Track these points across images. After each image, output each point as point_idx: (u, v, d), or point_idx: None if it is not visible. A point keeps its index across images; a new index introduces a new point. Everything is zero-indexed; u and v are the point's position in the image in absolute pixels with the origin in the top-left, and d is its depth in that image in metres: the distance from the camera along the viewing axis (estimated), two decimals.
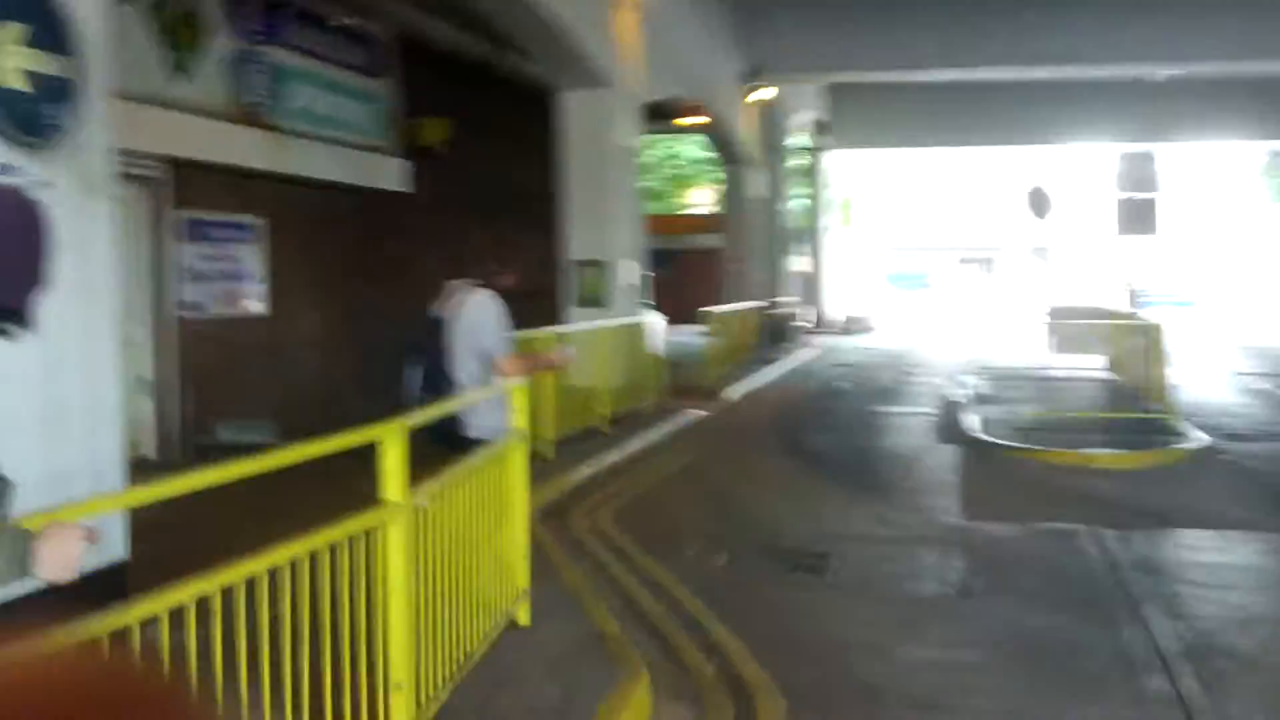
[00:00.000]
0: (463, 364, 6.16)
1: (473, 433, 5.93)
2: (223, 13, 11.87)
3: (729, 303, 21.38)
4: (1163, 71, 26.10)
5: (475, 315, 6.15)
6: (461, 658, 4.96)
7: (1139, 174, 13.72)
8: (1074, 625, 6.45)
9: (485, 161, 17.34)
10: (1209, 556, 7.97)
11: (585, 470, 10.82)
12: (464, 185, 16.79)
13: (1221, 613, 6.64)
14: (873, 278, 47.43)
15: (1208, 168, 55.59)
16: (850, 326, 31.91)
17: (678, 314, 22.73)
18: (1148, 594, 6.96)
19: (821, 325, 31.25)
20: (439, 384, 6.13)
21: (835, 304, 33.54)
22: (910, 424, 14.69)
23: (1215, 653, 5.93)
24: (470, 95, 16.78)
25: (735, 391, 17.34)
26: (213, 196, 11.99)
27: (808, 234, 30.19)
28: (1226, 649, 5.99)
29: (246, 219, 12.43)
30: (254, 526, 3.64)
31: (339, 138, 13.88)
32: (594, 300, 14.40)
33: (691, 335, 21.68)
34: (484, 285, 6.30)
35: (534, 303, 14.77)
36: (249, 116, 12.20)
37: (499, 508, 5.64)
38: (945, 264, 70.09)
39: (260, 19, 12.43)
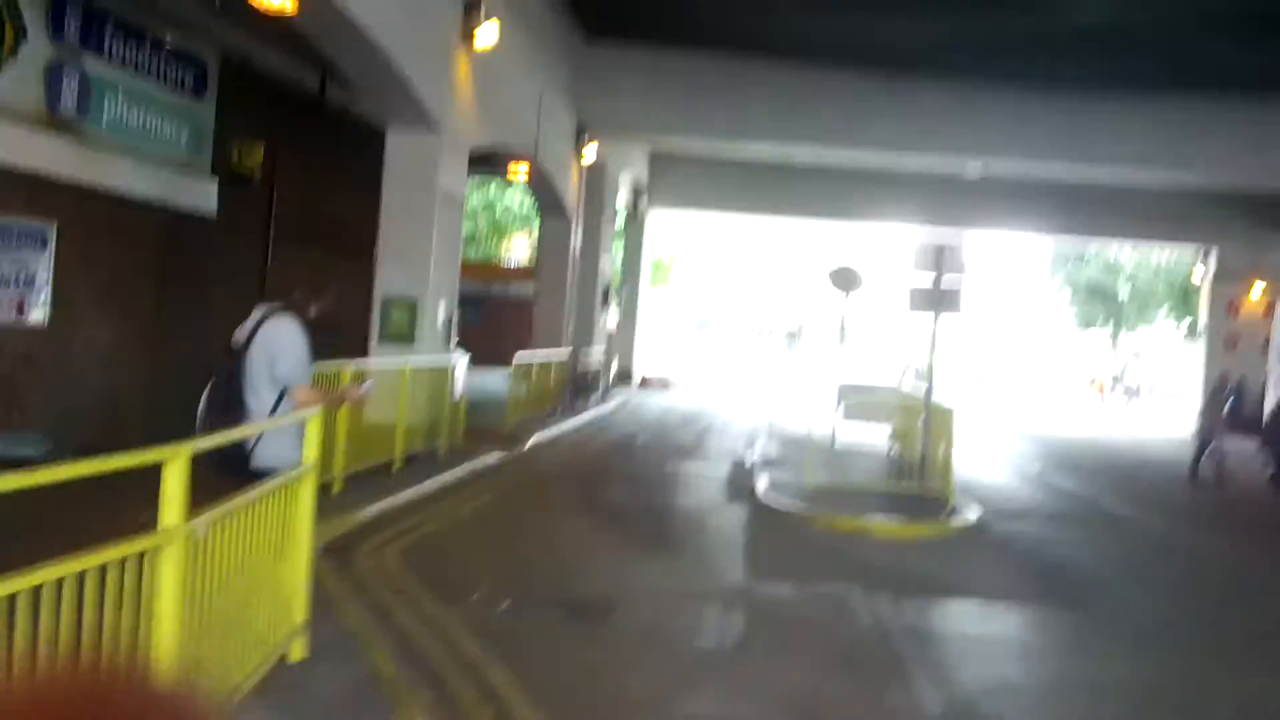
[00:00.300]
0: (256, 390, 6.03)
1: (261, 462, 5.80)
2: (40, 16, 11.41)
3: (533, 349, 21.43)
4: (973, 171, 27.62)
5: (274, 341, 6.02)
6: (230, 690, 4.81)
7: (940, 259, 14.36)
8: (845, 686, 6.67)
9: (304, 191, 17.06)
10: (973, 626, 8.35)
11: (374, 507, 10.65)
12: (279, 213, 16.47)
13: (983, 681, 6.95)
14: (681, 338, 48.23)
15: (1005, 258, 58.86)
16: (655, 383, 32.34)
17: (486, 358, 22.65)
18: (915, 659, 7.24)
19: (627, 380, 31.58)
20: (230, 410, 5.98)
21: (642, 361, 33.97)
22: (703, 482, 14.95)
23: (975, 718, 6.21)
24: (294, 125, 16.52)
25: (535, 439, 17.35)
26: (5, 200, 11.43)
27: (620, 291, 30.57)
28: (984, 717, 6.28)
29: (35, 225, 11.87)
30: (20, 543, 3.49)
31: (149, 153, 13.44)
32: (401, 337, 14.25)
33: (497, 380, 21.63)
34: (289, 312, 6.18)
35: (342, 336, 14.57)
36: (57, 123, 11.71)
37: (281, 540, 5.52)
38: (753, 330, 72.00)
39: (78, 26, 11.98)
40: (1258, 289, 33.17)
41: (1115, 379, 47.39)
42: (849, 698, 6.48)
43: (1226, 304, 33.98)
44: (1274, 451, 19.42)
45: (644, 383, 32.04)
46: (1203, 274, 35.18)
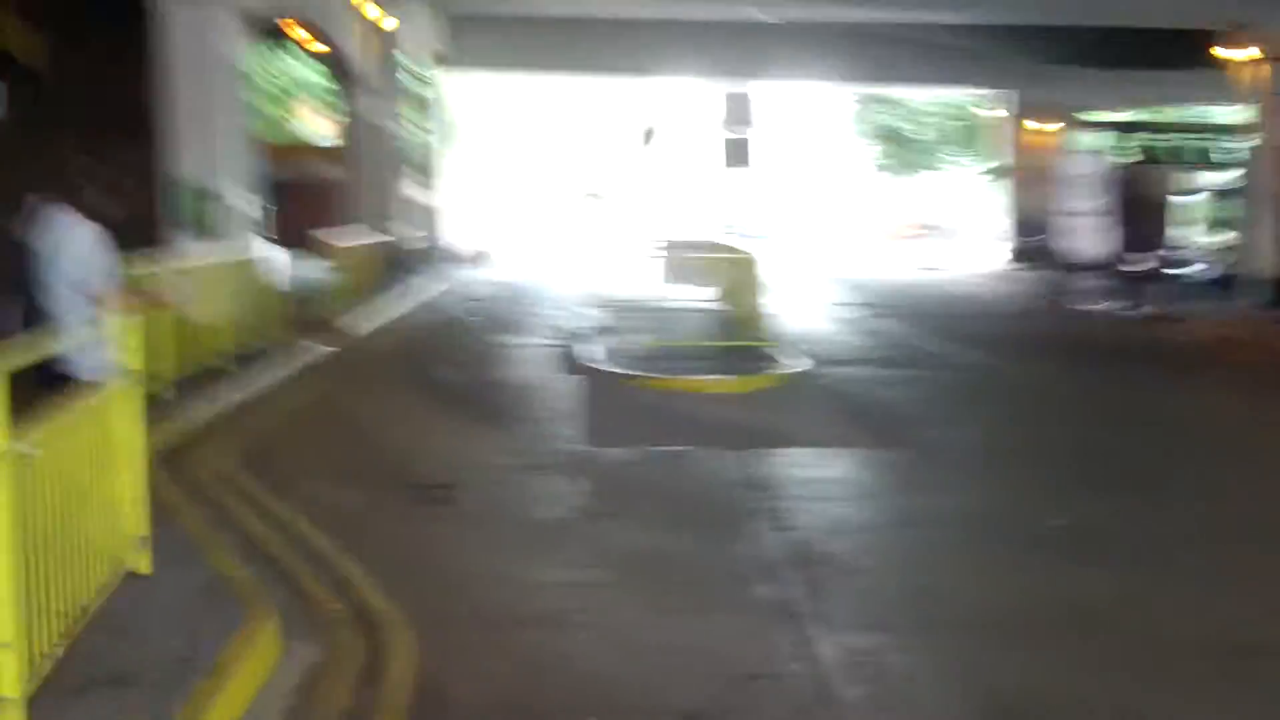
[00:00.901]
0: (60, 296, 5.73)
1: (79, 372, 5.56)
2: None
3: (348, 234, 20.90)
4: (760, 15, 27.66)
5: (71, 244, 5.70)
6: (76, 612, 4.71)
7: (739, 112, 14.50)
8: (691, 541, 6.90)
9: (81, 75, 16.02)
10: (808, 472, 8.71)
11: (207, 410, 10.36)
12: (58, 100, 15.47)
13: (820, 523, 7.29)
14: (493, 209, 47.58)
15: (804, 108, 59.53)
16: (471, 258, 31.94)
17: (292, 245, 22.00)
18: (755, 509, 7.54)
19: (444, 257, 31.10)
20: (36, 319, 5.69)
21: (456, 236, 33.43)
22: (534, 355, 15.00)
23: (817, 560, 6.52)
24: (70, 9, 15.45)
25: (360, 326, 17.05)
26: None
27: (427, 164, 29.87)
28: (825, 556, 6.60)
29: None
30: None
31: None
32: (203, 228, 13.67)
33: (312, 269, 21.07)
34: (74, 206, 5.83)
35: (135, 228, 13.91)
36: None
37: (110, 452, 5.34)
38: (563, 195, 71.61)
39: None
40: (1051, 125, 34.48)
41: (920, 223, 48.91)
42: (692, 551, 6.70)
43: (1021, 141, 35.28)
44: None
45: (463, 258, 31.59)
46: (1003, 114, 36.38)
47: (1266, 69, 22.34)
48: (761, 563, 6.42)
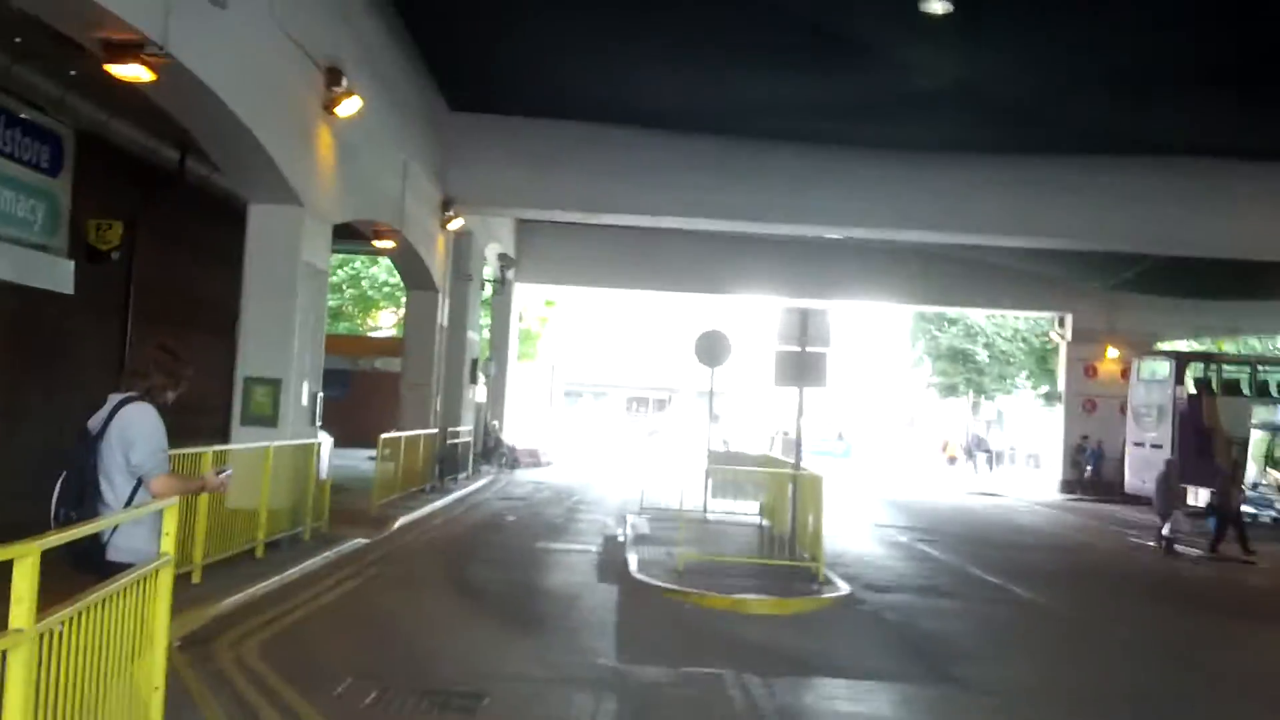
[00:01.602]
0: (110, 480, 5.79)
1: (116, 556, 5.57)
2: None
3: (405, 428, 21.16)
4: (830, 234, 28.35)
5: (128, 429, 5.80)
6: None
7: (802, 328, 14.65)
8: None
9: (163, 268, 16.70)
10: (845, 706, 8.40)
11: (235, 597, 10.32)
12: (137, 291, 16.08)
13: None
14: (550, 412, 48.04)
15: (863, 326, 60.34)
16: (524, 459, 32.14)
17: (352, 436, 22.27)
18: None
19: (496, 456, 31.32)
20: (84, 501, 5.73)
21: (512, 435, 33.77)
22: (573, 561, 14.86)
23: None
24: (154, 200, 16.18)
25: (402, 520, 17.07)
26: None
27: (489, 364, 30.43)
28: None
29: None
30: None
31: (2, 233, 13.01)
32: (264, 419, 13.88)
33: (363, 459, 21.27)
34: (144, 397, 5.97)
35: (202, 418, 14.20)
36: None
37: (137, 638, 5.28)
38: (621, 402, 72.33)
39: None
40: (1112, 352, 34.50)
41: (972, 444, 48.62)
42: None
43: (1083, 367, 35.28)
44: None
45: (515, 458, 31.76)
46: (1059, 338, 36.51)
47: None
48: None
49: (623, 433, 58.34)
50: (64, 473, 5.82)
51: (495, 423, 31.56)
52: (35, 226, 13.76)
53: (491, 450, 30.60)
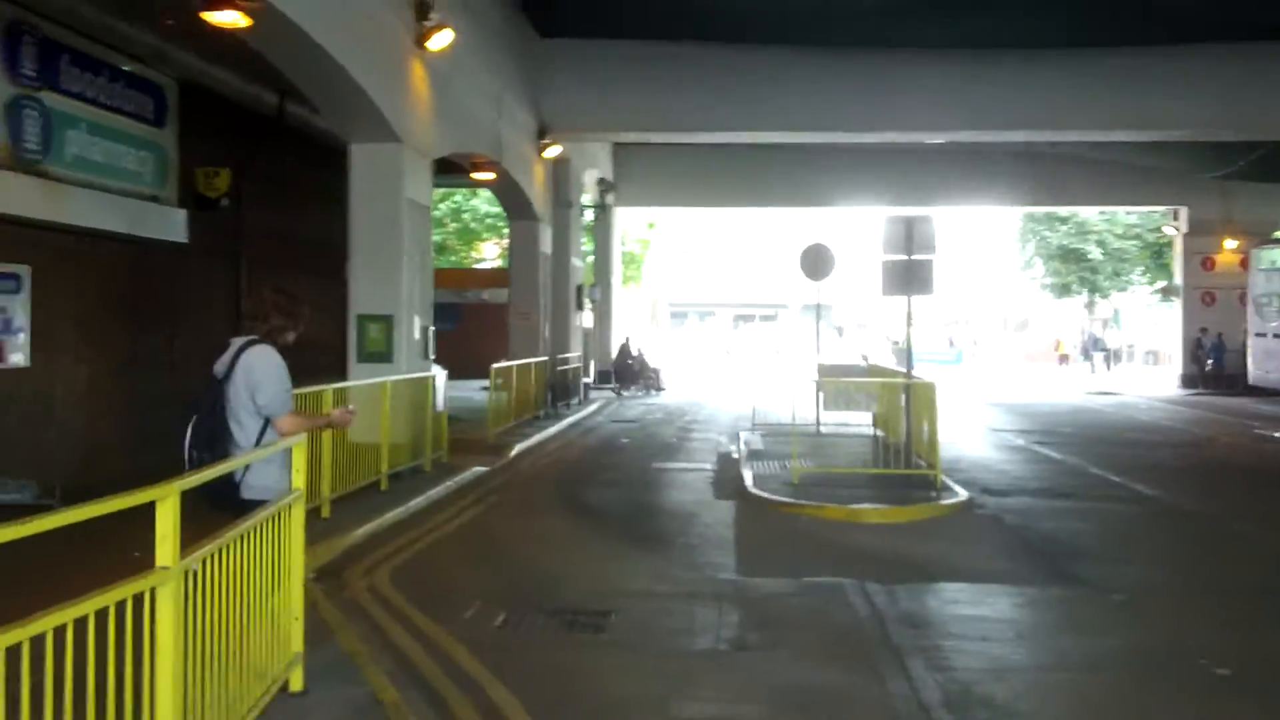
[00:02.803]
0: (239, 422, 6.01)
1: (249, 494, 5.79)
2: None
3: (515, 357, 21.43)
4: (933, 139, 27.79)
5: (253, 371, 6.00)
6: None
7: (906, 236, 14.44)
8: (842, 678, 6.71)
9: (271, 213, 17.04)
10: (968, 609, 8.39)
11: (363, 529, 10.64)
12: (248, 237, 16.45)
13: (980, 664, 6.99)
14: (659, 333, 48.18)
15: (970, 230, 59.16)
16: (632, 380, 32.32)
17: (463, 368, 22.63)
18: (911, 646, 7.28)
19: (606, 380, 31.60)
20: (215, 442, 5.96)
21: (619, 358, 33.96)
22: (689, 480, 14.99)
23: (974, 702, 6.25)
24: (257, 145, 16.48)
25: (518, 447, 17.36)
26: None
27: (594, 289, 30.61)
28: (984, 699, 6.32)
29: (10, 268, 11.81)
30: (14, 591, 3.49)
31: (115, 186, 13.40)
32: (379, 355, 14.18)
33: (476, 390, 21.62)
34: (265, 339, 6.16)
35: (320, 356, 14.54)
36: (21, 163, 11.65)
37: (274, 571, 5.51)
38: (728, 320, 72.20)
39: (36, 63, 11.90)
40: (1230, 243, 33.46)
41: (1088, 343, 47.63)
42: (847, 690, 6.52)
43: (1200, 260, 34.28)
44: None
45: (658, 381, 31.79)
46: (1175, 231, 35.48)
47: None
48: (916, 704, 6.19)
49: (732, 350, 58.33)
50: (194, 416, 6.04)
51: (636, 346, 32.15)
52: (145, 178, 14.12)
53: (637, 374, 31.20)
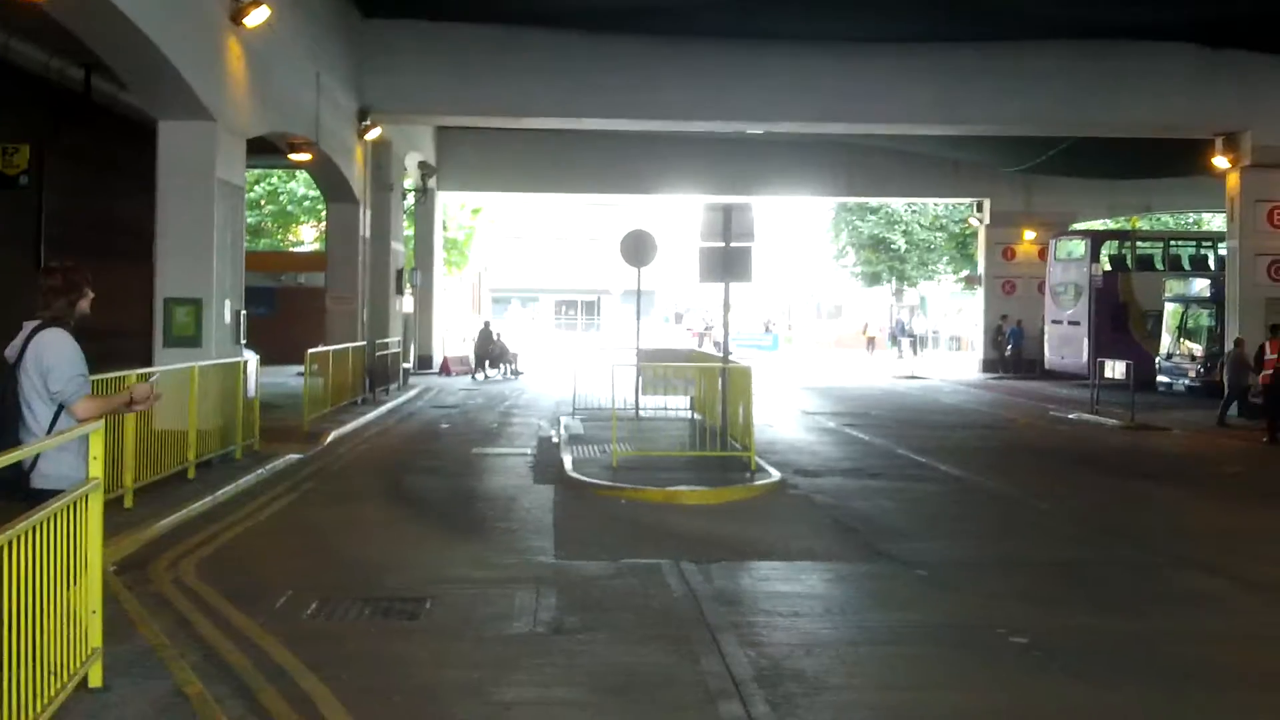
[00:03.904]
0: (30, 408, 5.72)
1: (41, 483, 5.53)
2: None
3: (333, 343, 20.99)
4: (754, 129, 28.27)
5: (43, 357, 5.70)
6: None
7: (725, 224, 14.70)
8: (659, 657, 6.82)
9: (75, 193, 16.29)
10: (780, 586, 8.63)
11: (169, 519, 10.28)
12: (48, 217, 15.68)
13: (790, 639, 7.20)
14: (480, 318, 47.86)
15: (787, 219, 60.57)
16: (455, 366, 32.09)
17: (280, 353, 22.07)
18: (725, 624, 7.45)
19: (427, 366, 31.26)
20: (5, 429, 5.67)
21: (440, 344, 33.64)
22: (509, 464, 14.97)
23: (785, 677, 6.44)
24: (60, 123, 15.71)
25: (334, 434, 17.02)
26: None
27: (415, 274, 30.22)
28: (794, 673, 6.51)
29: None
30: None
31: None
32: (187, 340, 13.68)
33: (293, 375, 21.12)
34: (53, 322, 5.86)
35: (127, 343, 13.97)
36: None
37: (70, 563, 5.29)
38: (550, 306, 72.23)
39: None
40: (1030, 234, 35.05)
41: (896, 330, 49.35)
42: (663, 668, 6.62)
43: (1002, 250, 35.82)
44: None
45: (445, 367, 31.78)
46: (978, 222, 36.98)
47: (1236, 176, 22.90)
48: (728, 680, 6.33)
49: (552, 335, 58.41)
50: None
51: (495, 331, 32.43)
52: None
53: (497, 357, 31.36)
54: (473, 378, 30.77)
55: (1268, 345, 19.15)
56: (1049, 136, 27.18)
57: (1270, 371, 18.67)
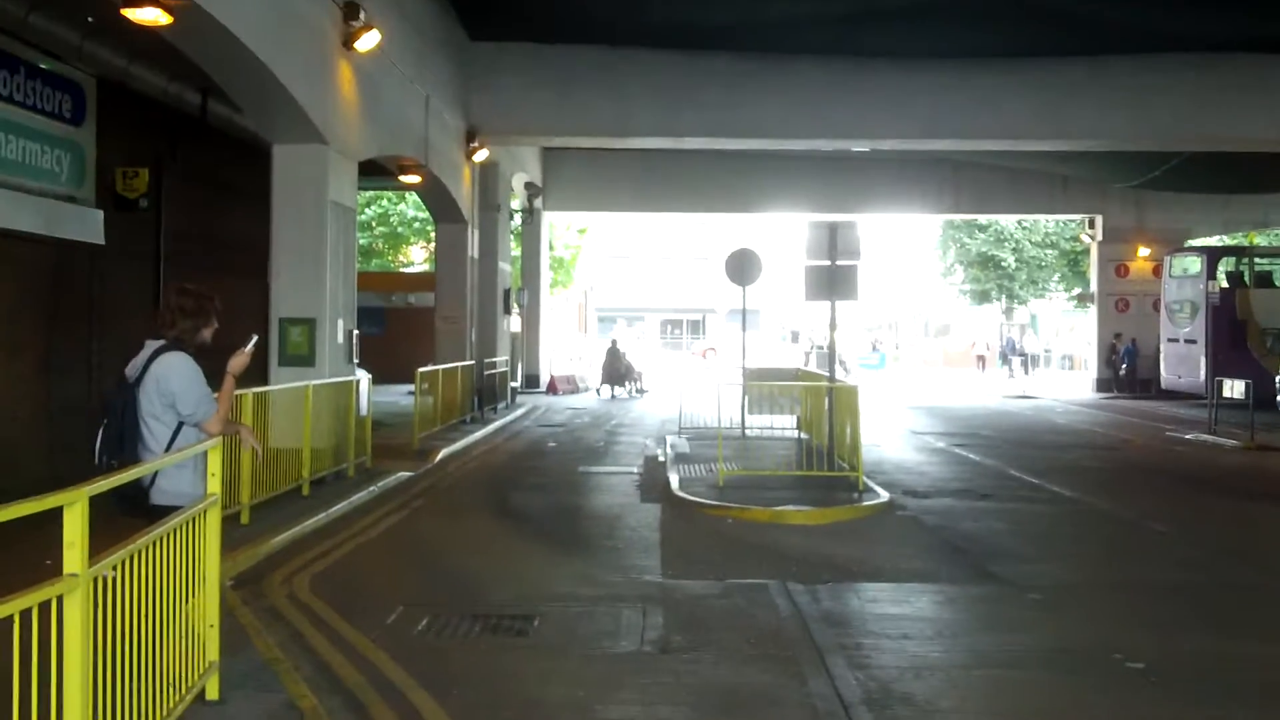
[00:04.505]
0: (149, 426, 5.87)
1: (160, 499, 5.68)
2: None
3: (442, 361, 21.29)
4: (857, 147, 28.08)
5: (168, 381, 5.83)
6: None
7: (830, 242, 14.60)
8: (765, 678, 6.74)
9: (192, 213, 16.77)
10: (888, 608, 8.49)
11: (284, 535, 10.50)
12: (167, 237, 16.17)
13: (899, 662, 7.08)
14: (585, 337, 48.17)
15: (894, 237, 59.93)
16: (562, 385, 32.34)
17: (390, 372, 22.44)
18: (832, 645, 7.35)
19: (534, 385, 31.54)
20: (125, 446, 5.82)
21: (549, 363, 33.94)
22: (615, 483, 15.00)
23: (893, 700, 6.33)
24: (178, 145, 16.21)
25: (444, 452, 17.25)
26: None
27: (522, 293, 30.54)
28: (904, 696, 6.40)
29: None
30: None
31: (31, 185, 13.11)
32: (301, 359, 13.99)
33: (402, 394, 21.45)
34: (175, 344, 6.01)
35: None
36: None
37: (189, 577, 5.42)
38: (656, 325, 72.38)
39: None
40: (1143, 250, 34.21)
41: (1006, 349, 48.44)
42: (769, 689, 6.56)
43: (1115, 267, 35.00)
44: None
45: (552, 386, 32.03)
46: (1090, 239, 36.19)
47: None
48: (836, 702, 6.25)
49: (659, 353, 58.47)
50: (104, 420, 5.91)
51: (623, 349, 33.13)
52: (62, 177, 13.83)
53: (623, 376, 32.13)
54: (598, 394, 31.57)
55: None
56: (1161, 151, 26.54)
57: None
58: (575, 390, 32.89)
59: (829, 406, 15.05)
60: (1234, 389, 21.68)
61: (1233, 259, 31.67)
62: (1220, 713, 6.26)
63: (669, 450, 17.13)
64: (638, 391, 31.91)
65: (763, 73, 22.83)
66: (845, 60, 22.68)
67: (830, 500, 12.83)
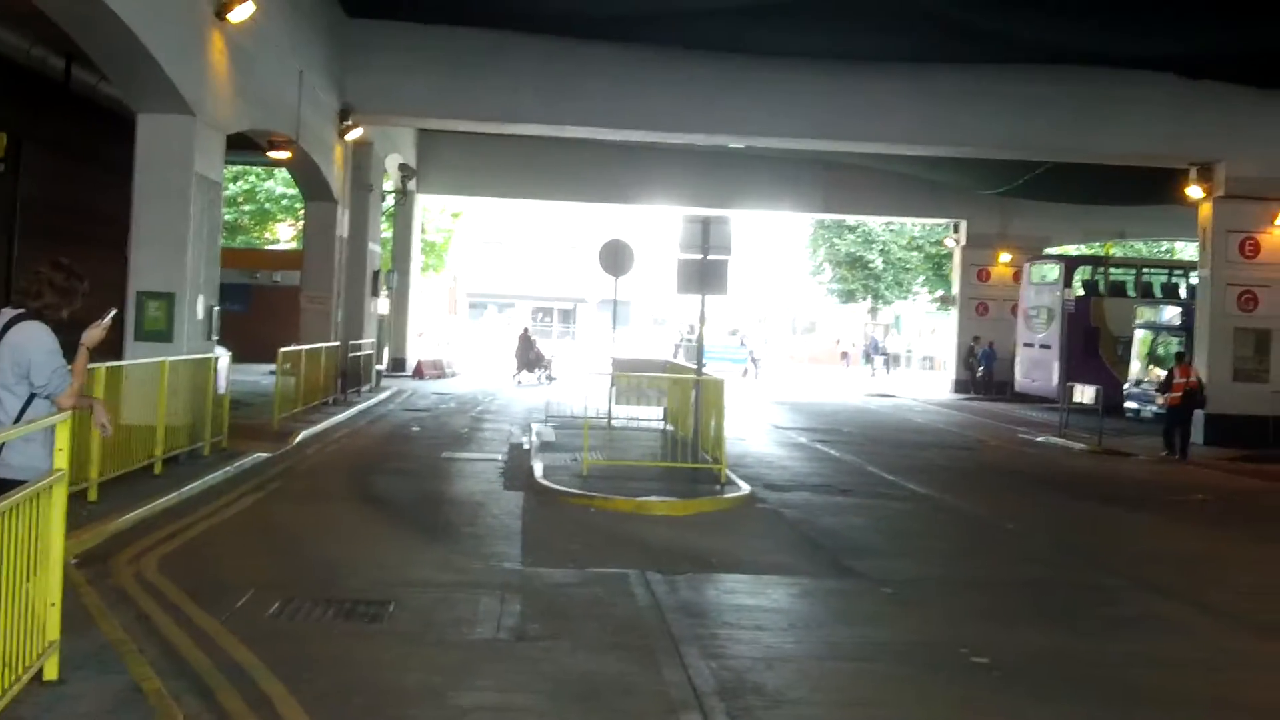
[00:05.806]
0: (1, 397, 5.66)
1: (6, 473, 5.48)
2: None
3: (306, 342, 20.90)
4: (736, 143, 28.33)
5: (22, 350, 5.63)
6: None
7: (703, 236, 14.76)
8: (621, 666, 6.81)
9: (51, 182, 16.17)
10: (745, 599, 8.63)
11: (133, 514, 10.20)
12: (23, 206, 15.57)
13: (753, 652, 7.20)
14: (454, 322, 47.76)
15: (765, 234, 60.69)
16: (431, 370, 32.03)
17: (253, 351, 21.92)
18: (688, 635, 7.45)
19: (400, 368, 31.18)
20: None
21: (415, 347, 33.57)
22: (478, 470, 14.93)
23: (745, 690, 6.44)
24: (39, 111, 15.60)
25: (304, 433, 16.94)
26: None
27: (392, 276, 30.12)
28: (756, 686, 6.52)
29: None
30: None
31: None
32: (158, 334, 13.60)
33: (264, 374, 21.01)
34: (35, 315, 5.79)
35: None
36: None
37: (30, 555, 5.24)
38: (526, 312, 72.10)
39: None
40: (1005, 256, 35.27)
41: (869, 348, 49.51)
42: (625, 678, 6.61)
43: (976, 271, 36.03)
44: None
45: (419, 370, 31.71)
46: (954, 244, 37.20)
47: (1208, 206, 23.08)
48: (689, 691, 6.33)
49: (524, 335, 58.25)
50: None
51: (534, 337, 33.51)
52: None
53: (533, 362, 32.46)
54: (516, 381, 31.83)
55: (1176, 371, 20.53)
56: (1027, 161, 27.35)
57: (1178, 395, 20.01)
58: (442, 375, 32.59)
59: (695, 400, 15.20)
60: (1084, 394, 22.52)
61: (1089, 268, 32.88)
62: (1059, 706, 6.51)
63: (534, 438, 17.11)
64: (547, 379, 31.67)
65: (648, 65, 22.83)
66: (730, 57, 22.81)
67: (693, 492, 12.98)
